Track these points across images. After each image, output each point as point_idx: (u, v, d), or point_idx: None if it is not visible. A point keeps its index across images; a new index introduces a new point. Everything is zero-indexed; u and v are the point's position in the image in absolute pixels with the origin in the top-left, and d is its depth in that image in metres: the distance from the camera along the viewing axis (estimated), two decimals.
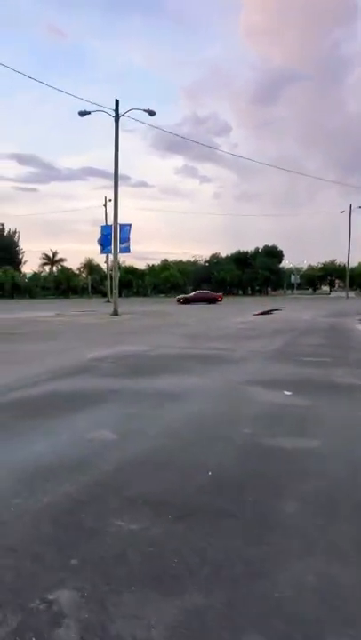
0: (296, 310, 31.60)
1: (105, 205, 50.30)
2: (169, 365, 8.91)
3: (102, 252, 27.22)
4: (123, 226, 25.42)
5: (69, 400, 6.14)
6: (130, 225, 25.65)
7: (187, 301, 46.21)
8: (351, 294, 66.67)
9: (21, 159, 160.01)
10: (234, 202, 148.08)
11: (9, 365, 8.97)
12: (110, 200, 50.05)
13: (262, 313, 28.44)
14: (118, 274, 26.26)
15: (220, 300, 47.91)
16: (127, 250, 25.42)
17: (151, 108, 24.75)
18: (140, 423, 5.06)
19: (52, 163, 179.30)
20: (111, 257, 50.15)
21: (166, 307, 38.03)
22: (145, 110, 24.78)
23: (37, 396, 6.33)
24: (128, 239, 25.25)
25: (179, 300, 47.55)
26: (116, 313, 25.48)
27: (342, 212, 63.78)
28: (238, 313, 28.18)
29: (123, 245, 25.19)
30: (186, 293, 79.13)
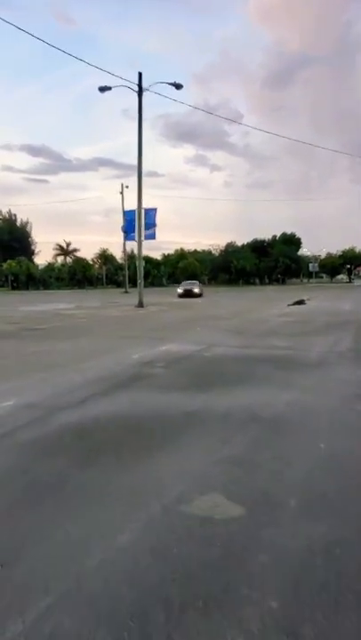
0: (329, 300, 29.62)
1: (122, 193, 48.41)
2: (238, 371, 7.19)
3: (126, 238, 25.42)
4: (148, 210, 23.61)
5: (136, 430, 4.46)
6: (155, 209, 23.82)
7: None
8: None
9: (32, 150, 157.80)
10: (246, 190, 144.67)
11: (43, 372, 7.32)
12: (127, 187, 48.55)
13: (296, 303, 26.56)
14: (143, 262, 24.52)
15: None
16: (153, 236, 23.63)
17: (177, 82, 22.78)
18: (260, 477, 3.36)
19: (62, 153, 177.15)
20: (129, 245, 48.68)
21: (186, 298, 36.27)
22: (170, 83, 22.82)
23: (89, 424, 4.66)
24: (154, 225, 23.44)
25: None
26: (141, 305, 23.79)
27: None
28: (268, 303, 26.32)
29: (148, 232, 23.40)
30: (203, 283, 77.04)
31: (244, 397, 5.62)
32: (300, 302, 27.34)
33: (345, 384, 6.25)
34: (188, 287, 36.82)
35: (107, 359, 8.43)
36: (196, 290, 35.71)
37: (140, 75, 23.30)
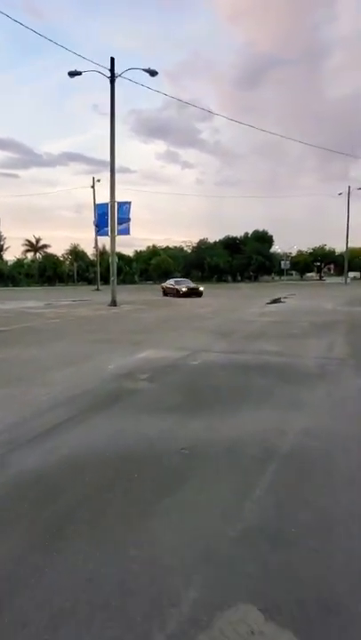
0: (307, 298, 29.09)
1: (93, 186, 46.96)
2: (233, 385, 6.21)
3: (98, 233, 23.89)
4: (121, 204, 22.30)
5: (119, 479, 3.40)
6: (129, 203, 22.51)
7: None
8: (347, 279, 64.36)
9: (1, 144, 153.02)
10: (216, 188, 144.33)
11: (1, 389, 6.13)
12: (99, 180, 47.11)
13: (274, 301, 25.90)
14: (116, 259, 23.26)
15: None
16: (127, 231, 22.35)
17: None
18: (307, 566, 2.37)
19: (32, 148, 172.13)
20: (101, 241, 47.08)
21: (161, 295, 35.21)
22: (145, 70, 21.59)
23: (54, 472, 3.57)
24: (128, 219, 22.14)
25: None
26: (114, 303, 22.56)
27: (340, 193, 61.34)
28: (247, 301, 25.53)
29: (122, 226, 22.13)
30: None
31: (250, 422, 4.63)
32: (278, 300, 26.72)
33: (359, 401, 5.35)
34: (192, 285, 32.10)
35: (80, 370, 7.31)
36: (201, 288, 31.17)
37: (112, 60, 21.98)
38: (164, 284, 34.91)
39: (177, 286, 31.44)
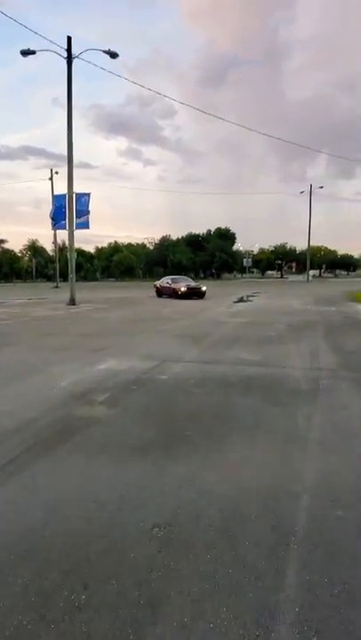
0: (274, 297, 28.42)
1: (51, 179, 44.75)
2: (213, 409, 5.05)
3: (54, 227, 22.12)
4: (80, 195, 20.72)
5: (42, 620, 2.16)
6: (89, 194, 20.93)
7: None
8: (308, 277, 64.74)
9: None
10: (178, 185, 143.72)
11: None
12: (57, 173, 44.92)
13: (241, 300, 25.05)
14: (75, 255, 21.66)
15: None
16: (86, 225, 20.77)
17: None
18: None
19: None
20: (60, 237, 44.88)
21: (125, 293, 33.81)
22: (105, 51, 20.07)
23: None
24: (87, 212, 20.58)
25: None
26: (73, 302, 21.02)
27: (302, 192, 61.70)
28: (213, 300, 24.51)
29: (81, 219, 20.55)
30: (138, 277, 74.62)
31: (242, 470, 3.47)
32: (246, 299, 25.90)
33: None
34: (193, 285, 27.23)
35: (24, 389, 5.96)
36: (203, 288, 26.30)
37: (69, 39, 20.36)
38: (158, 283, 29.44)
39: (174, 285, 26.53)
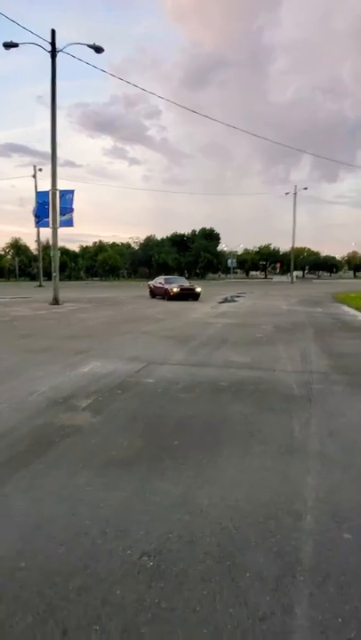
0: (259, 297, 28.31)
1: (34, 176, 43.98)
2: (204, 417, 4.76)
3: (37, 224, 21.53)
4: (64, 192, 20.22)
5: None
6: (72, 191, 20.45)
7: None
8: (293, 278, 64.97)
9: None
10: (164, 185, 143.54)
11: None
12: (41, 170, 44.19)
13: (227, 301, 24.85)
14: (59, 253, 21.17)
15: None
16: (70, 223, 20.29)
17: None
18: None
19: None
20: (44, 235, 44.09)
21: (110, 292, 33.38)
22: (90, 46, 19.66)
23: None
24: (71, 209, 20.09)
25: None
26: (56, 301, 20.54)
27: (287, 193, 61.88)
28: (199, 301, 24.25)
29: (64, 217, 20.05)
30: (123, 277, 74.10)
31: (238, 486, 3.18)
32: (232, 300, 25.72)
33: None
34: (186, 285, 25.01)
35: (0, 394, 5.58)
36: (198, 289, 24.28)
37: (53, 32, 19.87)
38: (151, 283, 27.59)
39: (167, 286, 24.40)
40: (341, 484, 3.25)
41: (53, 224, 20.29)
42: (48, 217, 20.65)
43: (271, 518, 2.78)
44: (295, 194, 59.54)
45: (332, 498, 3.05)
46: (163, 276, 28.28)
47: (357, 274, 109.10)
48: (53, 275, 20.91)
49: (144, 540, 2.55)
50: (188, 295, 23.80)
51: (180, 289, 24.08)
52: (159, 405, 5.15)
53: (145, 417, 4.73)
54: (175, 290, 23.87)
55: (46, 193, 21.07)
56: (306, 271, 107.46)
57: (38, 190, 25.71)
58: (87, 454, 3.74)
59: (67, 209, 20.39)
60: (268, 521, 2.75)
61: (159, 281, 26.49)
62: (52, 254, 20.92)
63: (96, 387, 5.93)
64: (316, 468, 3.51)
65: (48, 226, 21.04)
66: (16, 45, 19.70)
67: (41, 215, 21.37)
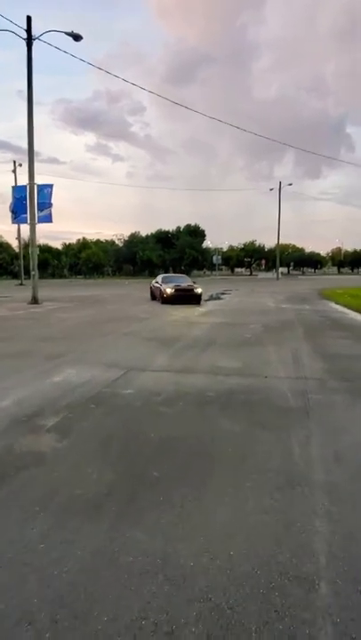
0: (246, 295, 27.78)
1: (14, 171, 42.80)
2: (189, 437, 4.12)
3: (14, 220, 20.62)
4: (42, 187, 19.34)
5: None
6: (51, 186, 19.57)
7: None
8: (278, 275, 64.66)
9: None
10: (147, 182, 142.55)
11: None
12: (21, 165, 42.98)
13: (213, 298, 24.25)
14: (37, 250, 20.31)
15: None
16: (48, 218, 19.44)
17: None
18: None
19: None
20: (25, 232, 42.95)
21: (92, 291, 32.54)
22: (68, 33, 18.77)
23: None
24: (50, 204, 19.25)
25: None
26: (35, 300, 19.70)
27: (271, 189, 61.46)
28: None
29: (43, 213, 19.20)
30: (107, 275, 73.10)
31: (230, 538, 2.55)
32: (218, 297, 25.15)
33: None
34: (184, 285, 20.40)
35: None
36: (198, 290, 19.91)
37: (28, 19, 18.95)
38: (152, 283, 23.17)
39: (163, 286, 20.12)
40: (357, 530, 2.64)
41: (31, 220, 19.42)
42: (26, 213, 19.75)
43: (275, 588, 2.15)
44: (280, 190, 59.23)
45: (349, 551, 2.44)
46: (161, 275, 24.47)
47: (341, 270, 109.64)
48: (32, 273, 20.04)
49: (111, 624, 1.91)
50: (186, 297, 19.49)
51: (176, 290, 19.64)
52: (137, 423, 4.50)
53: (120, 439, 4.07)
54: (169, 291, 19.50)
55: (23, 187, 20.16)
56: (291, 267, 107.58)
57: (15, 185, 24.62)
58: (47, 492, 3.07)
59: (45, 204, 19.53)
60: (271, 592, 2.13)
61: (157, 280, 22.44)
62: (30, 252, 20.04)
63: (68, 400, 5.25)
64: (324, 506, 2.90)
65: (26, 222, 20.17)
66: None
67: (18, 211, 20.46)
